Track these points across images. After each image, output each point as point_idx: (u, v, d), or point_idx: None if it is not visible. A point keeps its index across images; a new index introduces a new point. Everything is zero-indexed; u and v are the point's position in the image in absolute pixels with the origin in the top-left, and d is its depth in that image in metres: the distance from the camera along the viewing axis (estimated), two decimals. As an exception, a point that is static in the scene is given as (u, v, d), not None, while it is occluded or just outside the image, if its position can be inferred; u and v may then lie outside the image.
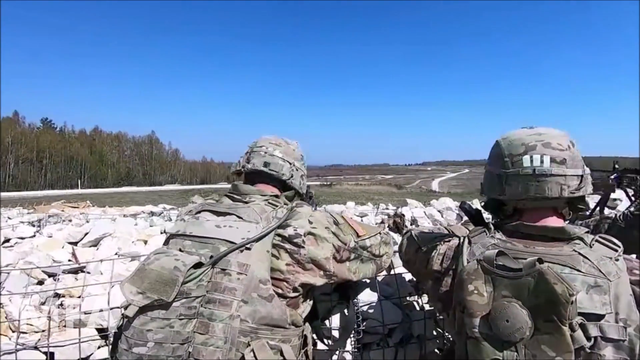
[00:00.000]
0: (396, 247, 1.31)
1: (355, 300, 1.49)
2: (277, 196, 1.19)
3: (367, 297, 1.55)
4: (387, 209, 4.43)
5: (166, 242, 1.11)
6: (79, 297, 1.61)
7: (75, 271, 2.06)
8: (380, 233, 1.24)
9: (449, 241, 1.00)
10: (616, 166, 1.82)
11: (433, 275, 0.99)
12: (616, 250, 0.83)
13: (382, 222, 3.04)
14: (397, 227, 2.82)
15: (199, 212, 1.13)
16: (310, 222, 1.05)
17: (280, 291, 0.99)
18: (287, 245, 1.01)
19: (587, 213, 1.82)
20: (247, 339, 0.91)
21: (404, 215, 2.93)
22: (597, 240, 0.85)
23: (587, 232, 0.87)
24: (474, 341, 0.78)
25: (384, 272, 1.52)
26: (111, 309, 1.46)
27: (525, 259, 0.80)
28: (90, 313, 1.50)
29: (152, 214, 4.59)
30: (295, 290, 1.01)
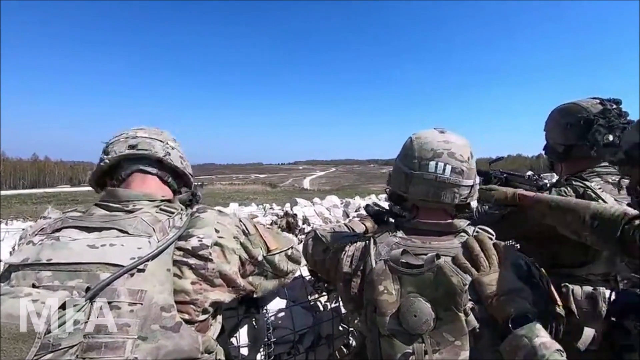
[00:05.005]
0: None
1: (264, 310, 1.39)
2: (170, 201, 1.00)
3: (276, 305, 1.46)
4: (272, 209, 4.40)
5: (4, 278, 0.79)
6: None
7: None
8: (292, 247, 1.14)
9: (356, 242, 1.03)
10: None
11: (344, 278, 1.00)
12: (491, 239, 0.97)
13: (273, 222, 2.99)
14: (289, 226, 2.82)
15: (58, 230, 0.85)
16: (217, 231, 0.91)
17: (187, 317, 0.82)
18: (192, 260, 0.85)
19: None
20: None
21: (296, 214, 2.92)
22: (477, 231, 0.99)
23: (469, 224, 1.01)
24: (387, 338, 0.82)
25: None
26: None
27: (425, 254, 0.88)
28: None
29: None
30: (204, 312, 0.87)
